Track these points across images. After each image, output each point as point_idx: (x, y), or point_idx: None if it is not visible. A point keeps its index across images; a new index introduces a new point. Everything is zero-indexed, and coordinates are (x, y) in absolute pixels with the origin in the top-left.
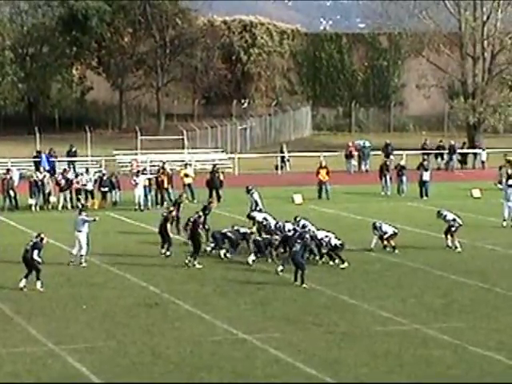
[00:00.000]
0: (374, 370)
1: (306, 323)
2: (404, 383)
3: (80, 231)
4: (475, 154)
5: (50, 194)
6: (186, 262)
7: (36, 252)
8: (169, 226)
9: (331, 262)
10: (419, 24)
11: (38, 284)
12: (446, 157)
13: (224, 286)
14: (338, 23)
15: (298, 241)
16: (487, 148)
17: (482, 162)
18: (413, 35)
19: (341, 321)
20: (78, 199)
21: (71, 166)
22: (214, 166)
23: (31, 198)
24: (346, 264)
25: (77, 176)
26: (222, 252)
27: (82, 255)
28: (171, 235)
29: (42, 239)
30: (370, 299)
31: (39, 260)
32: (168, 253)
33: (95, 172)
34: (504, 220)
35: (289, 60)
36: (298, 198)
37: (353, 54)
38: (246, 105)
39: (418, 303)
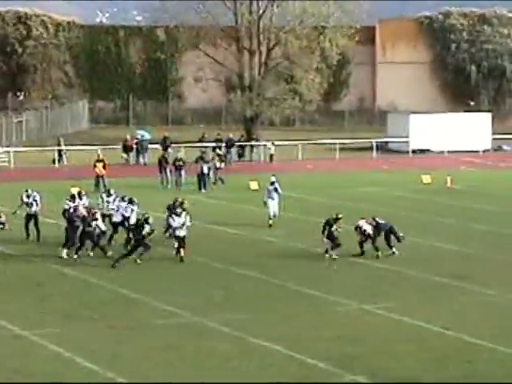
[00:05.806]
0: (156, 363)
1: (86, 318)
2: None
3: None
4: (252, 147)
5: None
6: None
7: None
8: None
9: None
10: (196, 17)
11: None
12: (223, 150)
13: (4, 281)
14: (114, 16)
15: None
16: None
17: (271, 156)
18: (189, 28)
19: (122, 315)
20: None
21: None
22: None
23: None
24: None
25: None
26: None
27: None
28: None
29: None
30: (153, 293)
31: None
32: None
33: None
34: (270, 219)
35: (65, 53)
36: (74, 190)
37: (130, 46)
38: (21, 97)
39: (200, 296)
